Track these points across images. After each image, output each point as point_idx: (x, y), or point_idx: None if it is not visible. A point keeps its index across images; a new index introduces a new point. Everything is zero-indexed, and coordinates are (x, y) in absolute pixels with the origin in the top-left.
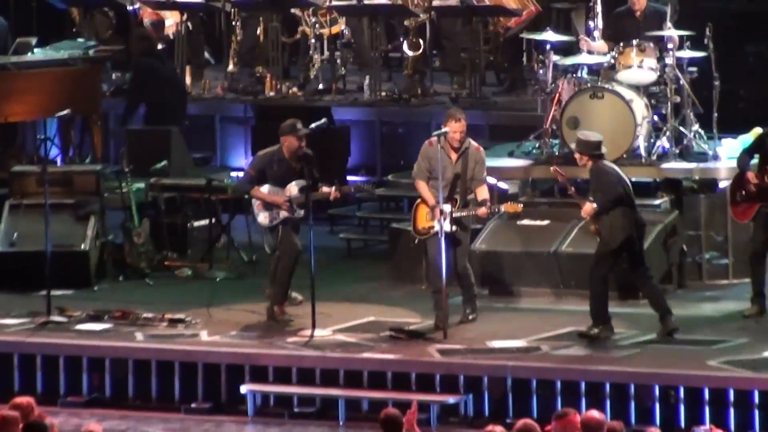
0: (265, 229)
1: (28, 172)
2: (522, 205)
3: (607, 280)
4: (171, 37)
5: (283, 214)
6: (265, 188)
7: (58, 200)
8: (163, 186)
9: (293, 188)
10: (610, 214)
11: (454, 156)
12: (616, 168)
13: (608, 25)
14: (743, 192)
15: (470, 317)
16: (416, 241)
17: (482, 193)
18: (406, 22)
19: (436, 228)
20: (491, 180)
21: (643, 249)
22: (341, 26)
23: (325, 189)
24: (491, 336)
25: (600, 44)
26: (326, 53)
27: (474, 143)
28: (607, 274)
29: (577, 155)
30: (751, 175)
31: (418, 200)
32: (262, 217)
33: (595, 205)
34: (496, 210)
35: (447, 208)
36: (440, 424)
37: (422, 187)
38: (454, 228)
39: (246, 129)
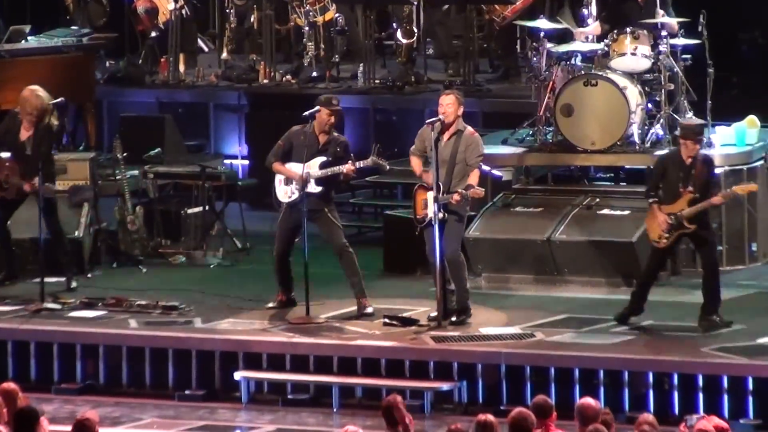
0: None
1: None
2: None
3: None
4: (163, 26)
5: (298, 191)
6: (288, 165)
7: None
8: (157, 173)
9: (314, 164)
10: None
11: (445, 138)
12: None
13: (609, 7)
14: None
15: (455, 307)
16: (417, 231)
17: (471, 178)
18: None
19: (429, 215)
20: (485, 167)
21: None
22: (333, 13)
23: (347, 166)
24: (485, 323)
25: (594, 26)
26: (320, 41)
27: (470, 128)
28: None
29: (687, 142)
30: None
31: (416, 187)
32: (281, 193)
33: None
34: (466, 196)
35: (431, 194)
36: (434, 411)
37: (414, 162)
38: (441, 215)
39: (240, 116)
